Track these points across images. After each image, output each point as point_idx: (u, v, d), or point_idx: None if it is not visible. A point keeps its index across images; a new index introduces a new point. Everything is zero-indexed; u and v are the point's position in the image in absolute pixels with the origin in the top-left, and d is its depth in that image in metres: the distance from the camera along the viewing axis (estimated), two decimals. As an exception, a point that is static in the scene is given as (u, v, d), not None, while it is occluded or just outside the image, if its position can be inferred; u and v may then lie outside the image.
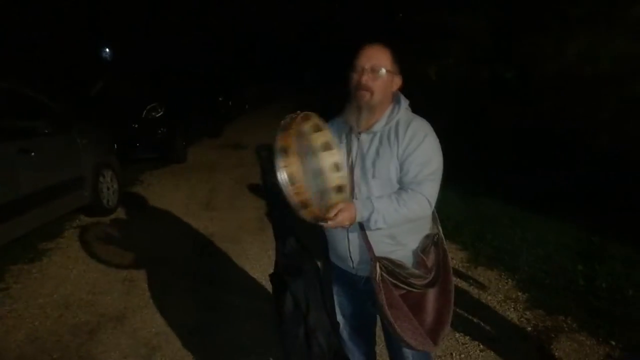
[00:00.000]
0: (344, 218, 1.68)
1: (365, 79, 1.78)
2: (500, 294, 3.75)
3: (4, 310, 3.65)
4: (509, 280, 3.98)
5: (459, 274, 4.09)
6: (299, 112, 1.68)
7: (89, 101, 9.13)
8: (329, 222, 1.68)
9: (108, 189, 5.90)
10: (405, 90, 1.94)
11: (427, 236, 1.98)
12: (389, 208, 1.74)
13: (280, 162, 1.62)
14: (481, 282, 3.94)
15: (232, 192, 6.76)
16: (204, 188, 7.05)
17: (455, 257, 4.42)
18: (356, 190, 1.86)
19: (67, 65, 14.14)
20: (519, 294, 3.75)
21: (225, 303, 3.69)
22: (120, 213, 5.93)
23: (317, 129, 1.76)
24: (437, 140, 1.86)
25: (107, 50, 18.90)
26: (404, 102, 1.90)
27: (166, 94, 8.81)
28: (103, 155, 5.94)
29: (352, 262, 1.96)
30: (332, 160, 1.76)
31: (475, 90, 8.19)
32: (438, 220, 2.05)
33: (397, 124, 1.84)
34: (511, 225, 5.04)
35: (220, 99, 12.99)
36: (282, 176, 1.63)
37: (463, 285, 3.91)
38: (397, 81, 1.88)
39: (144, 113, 8.27)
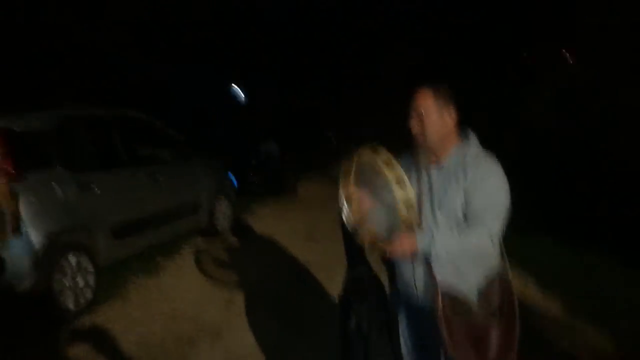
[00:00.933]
0: (404, 247, 1.78)
1: (413, 124, 1.90)
2: (595, 352, 3.42)
3: (122, 315, 4.12)
4: (607, 337, 3.60)
5: (555, 325, 3.80)
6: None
7: (216, 135, 10.10)
8: (390, 249, 1.79)
9: (222, 215, 6.41)
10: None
11: (492, 272, 1.95)
12: (450, 241, 1.79)
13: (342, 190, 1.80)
14: (577, 336, 3.62)
15: (334, 225, 6.93)
16: (308, 220, 7.32)
17: (553, 308, 4.12)
18: (423, 221, 1.91)
19: (201, 103, 15.69)
20: (616, 352, 3.39)
21: (314, 328, 3.80)
22: (231, 238, 6.38)
23: (389, 164, 1.85)
24: (504, 178, 1.87)
25: (239, 89, 20.39)
26: (473, 139, 1.94)
27: (281, 131, 9.44)
28: (219, 184, 6.49)
29: (417, 290, 1.99)
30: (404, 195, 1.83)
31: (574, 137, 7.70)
32: (506, 258, 2.01)
33: (465, 160, 1.88)
34: (614, 276, 4.57)
35: (328, 135, 13.58)
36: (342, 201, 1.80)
37: (556, 337, 3.62)
38: (448, 117, 1.89)
39: (260, 148, 8.92)
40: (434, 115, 1.87)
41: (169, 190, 5.42)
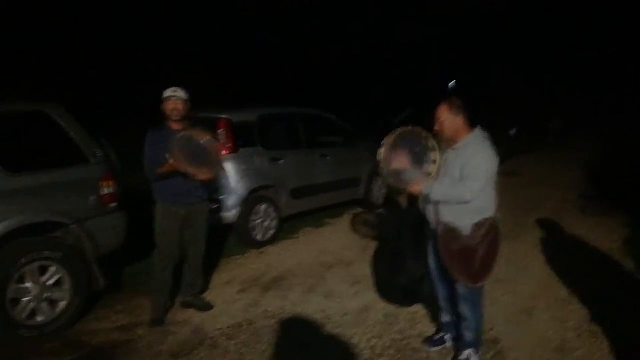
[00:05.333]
0: (415, 188, 3.09)
1: (435, 126, 3.12)
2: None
3: (291, 248, 6.04)
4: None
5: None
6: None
7: (391, 125, 11.61)
8: (407, 188, 3.12)
9: (378, 190, 7.97)
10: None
11: (486, 218, 3.08)
12: (439, 189, 3.04)
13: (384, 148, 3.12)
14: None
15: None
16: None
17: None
18: (439, 180, 3.18)
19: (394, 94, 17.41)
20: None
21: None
22: (382, 209, 7.93)
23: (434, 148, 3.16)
24: (489, 156, 3.01)
25: (454, 82, 20.92)
26: (477, 133, 3.10)
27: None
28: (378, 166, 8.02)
29: (431, 222, 3.26)
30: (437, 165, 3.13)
31: None
32: (498, 210, 3.14)
33: (467, 145, 3.07)
34: None
35: (511, 132, 13.80)
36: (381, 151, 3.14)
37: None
38: (459, 120, 3.06)
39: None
40: (447, 119, 3.09)
41: (335, 167, 7.18)
